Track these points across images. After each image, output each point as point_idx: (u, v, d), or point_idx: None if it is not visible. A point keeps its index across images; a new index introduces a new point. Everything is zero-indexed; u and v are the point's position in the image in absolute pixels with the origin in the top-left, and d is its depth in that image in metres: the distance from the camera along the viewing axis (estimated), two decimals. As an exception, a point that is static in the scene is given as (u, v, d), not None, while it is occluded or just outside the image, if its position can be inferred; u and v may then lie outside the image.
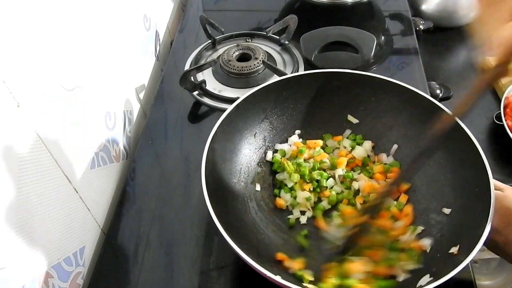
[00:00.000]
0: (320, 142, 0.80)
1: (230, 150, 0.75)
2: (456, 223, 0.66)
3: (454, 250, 0.61)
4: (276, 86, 0.78)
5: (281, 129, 0.81)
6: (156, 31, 1.07)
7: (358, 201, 0.74)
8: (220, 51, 1.05)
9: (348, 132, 0.82)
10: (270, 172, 0.79)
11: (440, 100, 0.93)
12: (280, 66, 1.00)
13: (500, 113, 0.90)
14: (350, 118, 0.81)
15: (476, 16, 0.47)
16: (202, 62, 1.02)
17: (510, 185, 0.86)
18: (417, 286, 0.58)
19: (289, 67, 1.00)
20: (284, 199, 0.75)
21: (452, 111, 0.56)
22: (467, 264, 0.55)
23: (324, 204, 0.74)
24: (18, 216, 0.52)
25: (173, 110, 0.94)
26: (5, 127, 0.50)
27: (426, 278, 0.59)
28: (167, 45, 1.17)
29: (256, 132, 0.79)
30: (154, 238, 0.72)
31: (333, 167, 0.77)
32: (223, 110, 0.73)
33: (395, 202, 0.73)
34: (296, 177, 0.74)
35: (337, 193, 0.75)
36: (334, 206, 0.74)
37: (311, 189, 0.75)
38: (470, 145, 0.66)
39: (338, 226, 0.68)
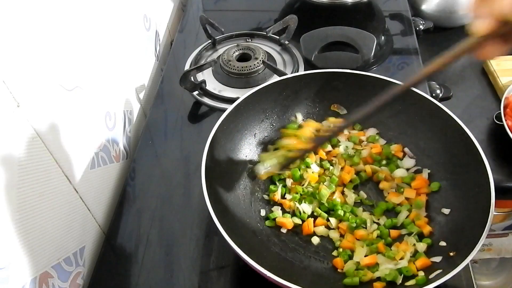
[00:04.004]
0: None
1: (230, 150, 0.75)
2: (456, 223, 0.66)
3: (452, 254, 0.61)
4: (276, 86, 0.78)
5: (281, 129, 0.81)
6: (156, 31, 1.07)
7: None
8: (220, 51, 1.05)
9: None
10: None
11: (440, 100, 0.93)
12: (280, 66, 1.00)
13: (500, 113, 0.90)
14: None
15: None
16: (202, 62, 1.02)
17: (510, 186, 0.87)
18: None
19: (289, 67, 1.00)
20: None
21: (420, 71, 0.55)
22: (467, 264, 0.55)
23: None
24: (18, 216, 0.52)
25: (173, 110, 0.94)
26: (5, 127, 0.50)
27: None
28: (167, 45, 1.17)
29: (256, 132, 0.79)
30: (154, 238, 0.72)
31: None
32: (223, 110, 0.73)
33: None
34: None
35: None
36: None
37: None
38: (470, 145, 0.66)
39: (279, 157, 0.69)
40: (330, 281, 0.64)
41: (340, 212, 0.71)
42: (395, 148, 0.79)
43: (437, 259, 0.62)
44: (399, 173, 0.76)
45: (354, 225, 0.69)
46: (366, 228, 0.70)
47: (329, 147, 0.80)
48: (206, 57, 1.05)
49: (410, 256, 0.64)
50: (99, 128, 0.75)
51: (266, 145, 0.80)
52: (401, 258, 0.64)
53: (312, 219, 0.72)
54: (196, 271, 0.68)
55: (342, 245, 0.68)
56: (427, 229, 0.67)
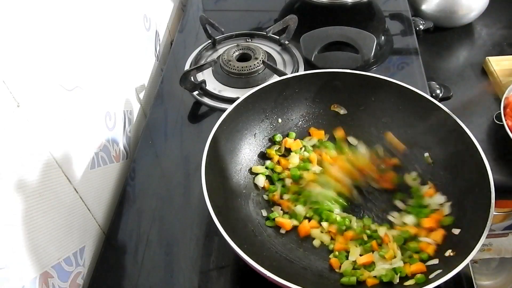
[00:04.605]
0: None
1: (230, 150, 0.75)
2: (456, 223, 0.66)
3: (448, 253, 0.61)
4: (276, 86, 0.78)
5: (281, 129, 0.81)
6: (156, 31, 1.07)
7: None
8: (220, 51, 1.05)
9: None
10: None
11: (440, 100, 0.93)
12: (280, 66, 1.00)
13: (500, 113, 0.90)
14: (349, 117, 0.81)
15: None
16: (202, 62, 1.02)
17: (510, 186, 0.87)
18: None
19: (289, 67, 1.00)
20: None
21: None
22: (467, 264, 0.55)
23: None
24: (18, 216, 0.53)
25: (173, 110, 0.94)
26: (5, 127, 0.50)
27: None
28: (167, 45, 1.17)
29: (256, 132, 0.79)
30: (154, 238, 0.72)
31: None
32: (223, 110, 0.73)
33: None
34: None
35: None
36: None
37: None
38: (470, 145, 0.66)
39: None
40: (330, 281, 0.64)
41: (325, 214, 0.70)
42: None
43: (437, 259, 0.62)
44: (410, 220, 0.69)
45: (344, 228, 0.69)
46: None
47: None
48: (206, 57, 1.05)
49: (409, 257, 0.64)
50: (99, 128, 0.75)
51: (266, 145, 0.80)
52: (394, 257, 0.64)
53: (307, 220, 0.71)
54: (196, 271, 0.68)
55: (336, 247, 0.67)
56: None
